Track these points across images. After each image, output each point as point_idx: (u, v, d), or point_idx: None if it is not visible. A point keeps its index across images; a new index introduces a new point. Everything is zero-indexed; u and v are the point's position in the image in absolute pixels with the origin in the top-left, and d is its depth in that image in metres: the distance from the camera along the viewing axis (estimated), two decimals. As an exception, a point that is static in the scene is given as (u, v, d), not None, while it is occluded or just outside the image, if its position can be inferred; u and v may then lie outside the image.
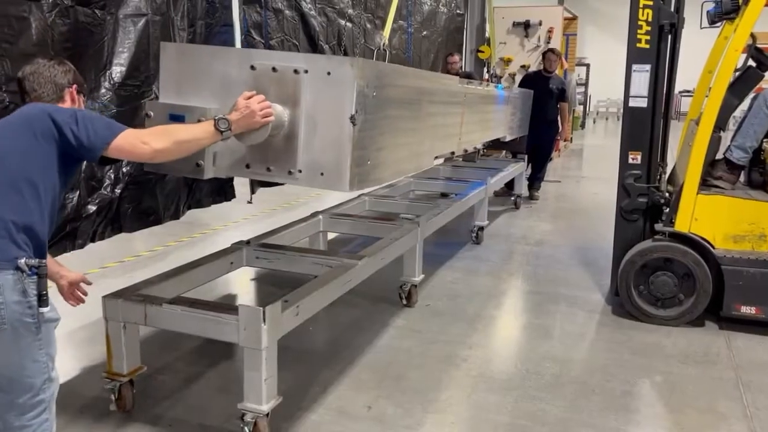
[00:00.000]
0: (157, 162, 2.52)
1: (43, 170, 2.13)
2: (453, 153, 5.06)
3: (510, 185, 8.05)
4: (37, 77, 2.30)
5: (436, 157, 4.43)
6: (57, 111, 2.19)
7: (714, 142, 4.19)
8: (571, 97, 14.75)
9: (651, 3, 4.28)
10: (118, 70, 3.23)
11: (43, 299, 2.08)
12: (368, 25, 6.27)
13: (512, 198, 8.18)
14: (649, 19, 4.30)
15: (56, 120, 2.15)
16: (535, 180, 8.77)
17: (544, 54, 8.68)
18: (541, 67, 8.70)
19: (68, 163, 2.23)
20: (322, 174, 2.80)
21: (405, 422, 3.15)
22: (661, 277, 4.30)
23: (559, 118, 8.80)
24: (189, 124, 2.46)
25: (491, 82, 8.27)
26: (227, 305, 3.09)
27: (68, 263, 2.71)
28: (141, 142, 2.25)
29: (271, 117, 2.64)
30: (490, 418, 3.20)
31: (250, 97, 2.60)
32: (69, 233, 3.16)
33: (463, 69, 9.08)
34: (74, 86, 2.37)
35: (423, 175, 6.90)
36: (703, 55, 5.35)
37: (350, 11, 5.85)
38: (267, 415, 2.81)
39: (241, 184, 4.08)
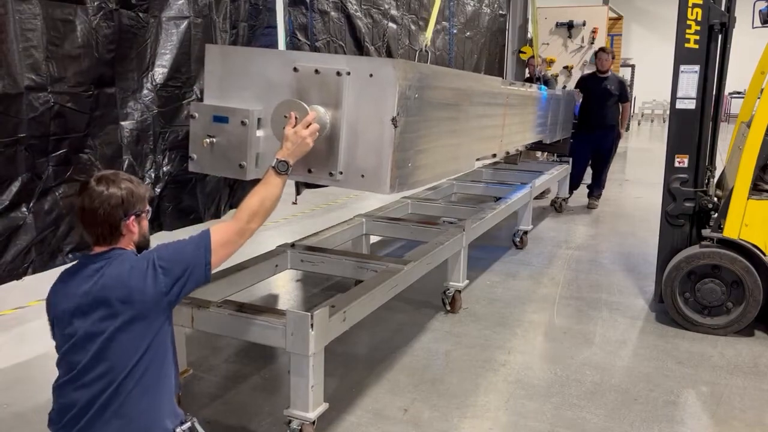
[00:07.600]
0: None
1: (154, 346, 2.00)
2: (494, 155, 5.00)
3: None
4: (90, 216, 2.02)
5: (477, 159, 4.38)
6: (137, 278, 1.97)
7: (766, 146, 4.06)
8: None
9: (701, 2, 4.17)
10: (160, 72, 3.26)
11: None
12: (412, 27, 6.24)
13: (556, 201, 8.04)
14: (699, 19, 4.19)
15: (146, 290, 1.96)
16: (594, 188, 8.30)
17: (596, 53, 8.21)
18: (594, 69, 8.26)
19: (168, 308, 2.07)
20: (362, 176, 2.78)
21: (441, 426, 3.12)
22: (708, 285, 4.18)
23: (619, 120, 8.15)
24: (263, 187, 2.35)
25: (537, 83, 8.10)
26: (275, 310, 3.09)
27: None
28: (239, 236, 2.18)
29: (316, 134, 2.61)
30: (528, 425, 3.15)
31: (294, 125, 2.52)
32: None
33: (505, 71, 8.92)
34: (131, 218, 2.05)
35: (465, 178, 6.85)
36: (755, 56, 5.20)
37: (394, 12, 5.83)
38: (313, 423, 2.79)
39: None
